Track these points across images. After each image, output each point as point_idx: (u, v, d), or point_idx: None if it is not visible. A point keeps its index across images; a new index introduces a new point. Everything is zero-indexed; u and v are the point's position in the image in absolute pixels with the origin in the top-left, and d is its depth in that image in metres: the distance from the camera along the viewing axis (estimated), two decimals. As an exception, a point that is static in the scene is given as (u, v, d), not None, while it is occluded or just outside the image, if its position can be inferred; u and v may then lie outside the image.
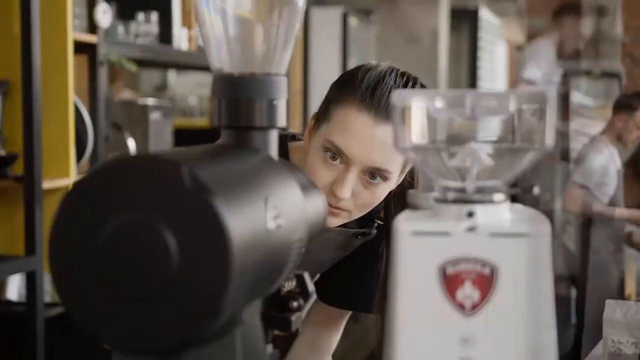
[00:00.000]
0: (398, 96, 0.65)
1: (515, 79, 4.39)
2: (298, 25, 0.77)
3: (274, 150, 0.75)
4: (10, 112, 2.42)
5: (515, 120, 0.63)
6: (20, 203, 2.38)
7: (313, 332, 1.56)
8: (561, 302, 4.39)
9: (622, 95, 4.46)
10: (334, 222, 1.29)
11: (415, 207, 0.71)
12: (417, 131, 0.65)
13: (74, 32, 2.48)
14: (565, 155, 4.48)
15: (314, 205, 0.77)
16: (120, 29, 2.89)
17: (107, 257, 0.58)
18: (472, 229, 0.62)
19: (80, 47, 2.56)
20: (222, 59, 0.75)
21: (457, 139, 0.67)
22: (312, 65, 4.80)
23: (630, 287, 4.54)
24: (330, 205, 1.24)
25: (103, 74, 2.60)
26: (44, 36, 2.36)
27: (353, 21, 5.20)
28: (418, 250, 0.63)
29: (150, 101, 3.20)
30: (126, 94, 4.29)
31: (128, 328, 0.58)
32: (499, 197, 0.65)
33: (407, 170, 1.31)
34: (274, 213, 0.65)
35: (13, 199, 2.46)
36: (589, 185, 4.23)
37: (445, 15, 5.95)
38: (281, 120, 0.74)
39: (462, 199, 0.64)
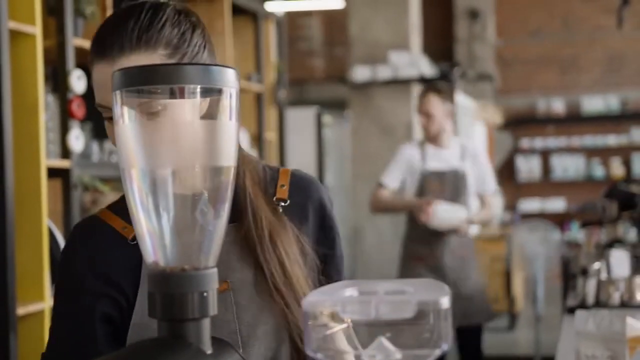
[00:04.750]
0: (309, 303, 0.71)
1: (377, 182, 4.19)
2: (226, 216, 0.84)
3: (205, 337, 0.80)
4: (-15, 238, 2.46)
5: (418, 321, 0.69)
6: (-6, 330, 2.39)
7: None
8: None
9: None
10: None
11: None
12: (325, 332, 0.71)
13: (48, 159, 2.55)
14: None
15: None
16: (95, 147, 2.97)
17: None
18: None
19: (55, 172, 2.63)
20: (156, 254, 0.81)
21: (368, 335, 0.72)
22: (288, 163, 4.89)
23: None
24: None
25: (76, 196, 2.66)
26: (17, 164, 2.42)
27: (327, 118, 5.33)
28: None
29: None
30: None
31: None
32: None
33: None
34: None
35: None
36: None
37: (419, 106, 6.08)
38: (212, 309, 0.81)
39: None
